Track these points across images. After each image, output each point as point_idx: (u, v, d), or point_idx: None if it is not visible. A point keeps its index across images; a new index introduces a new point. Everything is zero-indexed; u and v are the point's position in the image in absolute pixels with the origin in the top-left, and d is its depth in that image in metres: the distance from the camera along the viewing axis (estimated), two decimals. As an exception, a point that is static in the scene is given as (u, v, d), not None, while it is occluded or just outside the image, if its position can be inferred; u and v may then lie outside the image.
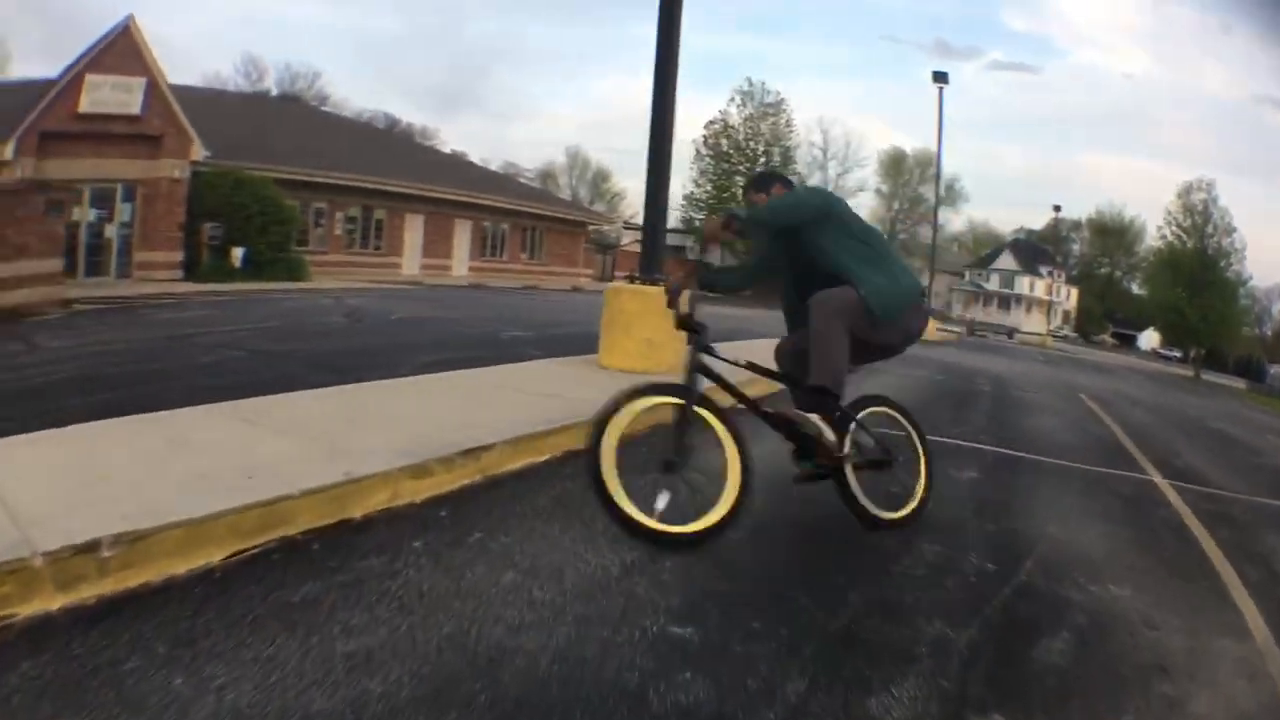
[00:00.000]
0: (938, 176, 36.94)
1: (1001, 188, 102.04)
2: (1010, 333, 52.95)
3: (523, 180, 52.67)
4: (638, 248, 10.75)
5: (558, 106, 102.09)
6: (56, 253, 14.13)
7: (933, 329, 23.87)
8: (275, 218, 21.39)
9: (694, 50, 63.48)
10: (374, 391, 5.27)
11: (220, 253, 20.49)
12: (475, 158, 50.41)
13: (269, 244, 21.24)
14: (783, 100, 51.65)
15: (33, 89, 19.57)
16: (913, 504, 3.80)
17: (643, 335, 6.71)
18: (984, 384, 12.22)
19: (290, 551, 2.81)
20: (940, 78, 31.24)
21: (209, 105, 25.58)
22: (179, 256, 20.25)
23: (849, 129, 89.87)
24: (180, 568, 2.51)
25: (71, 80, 18.59)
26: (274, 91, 51.95)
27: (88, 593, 2.29)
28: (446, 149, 51.79)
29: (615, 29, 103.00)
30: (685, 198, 51.22)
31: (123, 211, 19.89)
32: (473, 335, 9.90)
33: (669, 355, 6.58)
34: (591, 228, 43.27)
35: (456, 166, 39.46)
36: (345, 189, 26.21)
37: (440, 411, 4.65)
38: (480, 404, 4.88)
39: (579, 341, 7.01)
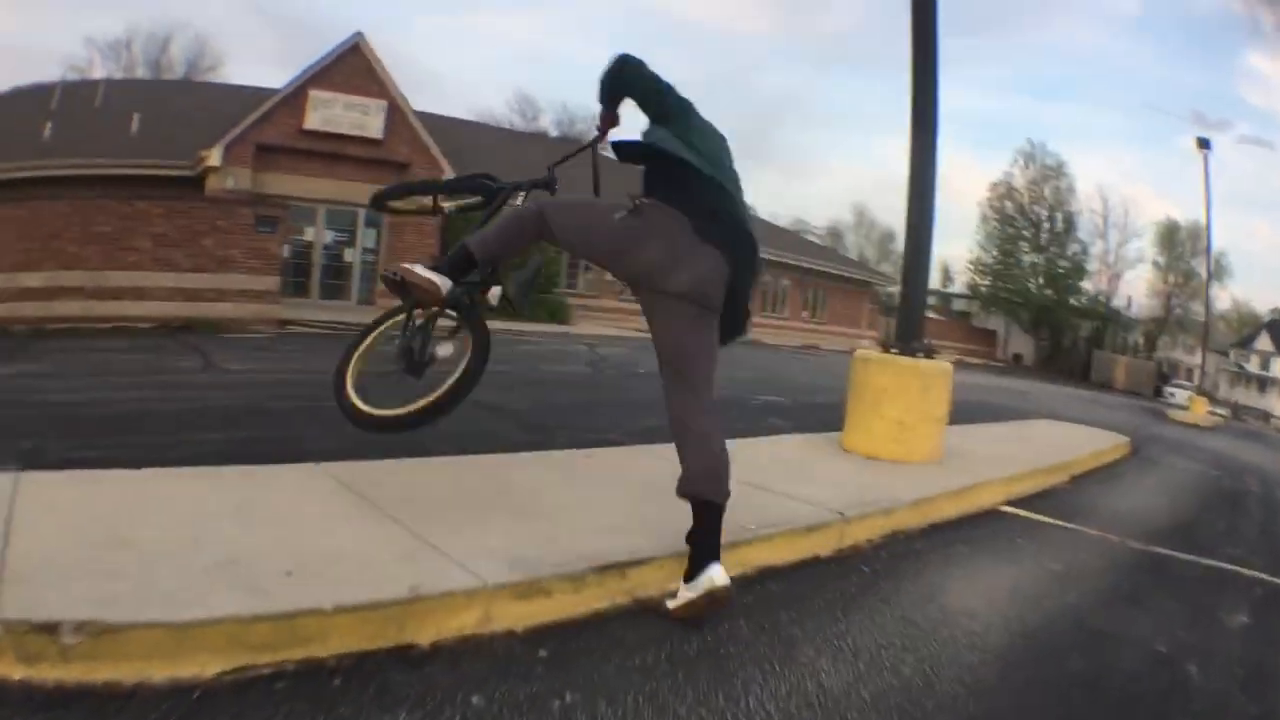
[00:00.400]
0: (1209, 248, 36.12)
1: (1260, 264, 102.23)
2: (1267, 417, 51.85)
3: (809, 236, 53.93)
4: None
5: (846, 163, 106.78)
6: (270, 270, 15.57)
7: (1202, 410, 24.21)
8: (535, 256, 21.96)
9: (977, 110, 74.07)
10: (538, 465, 4.62)
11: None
12: (763, 212, 51.63)
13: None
14: (1063, 164, 52.03)
15: (245, 96, 21.72)
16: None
17: (893, 415, 5.82)
18: (1252, 482, 10.83)
19: (302, 681, 2.22)
20: (1204, 144, 31.77)
21: (464, 135, 28.13)
22: None
23: (1125, 196, 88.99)
24: (158, 673, 2.18)
25: (293, 94, 20.23)
26: (552, 132, 55.31)
27: (48, 674, 2.17)
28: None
29: (901, 85, 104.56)
30: (971, 262, 52.52)
31: (366, 237, 21.79)
32: (721, 397, 9.28)
33: (922, 441, 5.82)
34: (878, 289, 44.19)
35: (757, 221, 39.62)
36: None
37: (606, 501, 3.90)
38: (663, 492, 4.33)
39: (838, 413, 6.31)
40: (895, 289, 55.82)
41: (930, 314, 53.26)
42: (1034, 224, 50.75)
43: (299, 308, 18.85)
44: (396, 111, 21.36)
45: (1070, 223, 51.76)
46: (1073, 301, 51.22)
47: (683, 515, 3.12)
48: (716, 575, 2.93)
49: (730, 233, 3.14)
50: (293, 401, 7.19)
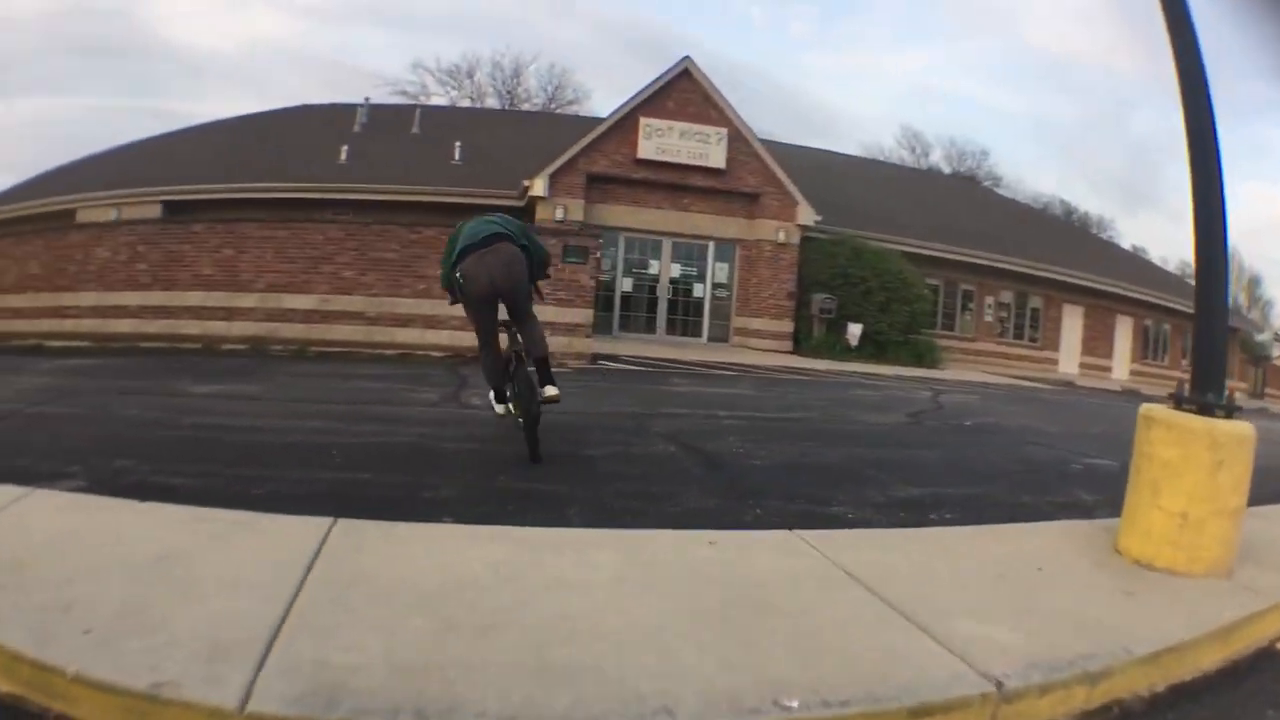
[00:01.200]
0: None
1: None
2: None
3: (1189, 279, 47.00)
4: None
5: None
6: (580, 302, 15.22)
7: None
8: (899, 295, 21.16)
9: None
10: (671, 555, 3.56)
11: (833, 327, 20.80)
12: (1154, 255, 48.81)
13: (891, 323, 21.06)
14: None
15: (571, 124, 22.19)
16: None
17: (1173, 504, 3.82)
18: None
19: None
20: None
21: (816, 166, 27.04)
22: (788, 327, 20.80)
23: None
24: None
25: (621, 122, 19.98)
26: (944, 169, 54.89)
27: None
28: (1125, 243, 50.55)
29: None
30: None
31: (717, 272, 21.29)
32: (1036, 459, 7.43)
33: (1209, 544, 3.82)
34: (1245, 334, 37.73)
35: (1119, 258, 36.80)
36: (994, 270, 25.76)
37: (699, 637, 2.73)
38: (806, 623, 2.88)
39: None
40: (1260, 336, 48.62)
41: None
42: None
43: (634, 343, 18.87)
44: (739, 139, 20.57)
45: None
46: None
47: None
48: (549, 390, 5.77)
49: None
50: (465, 444, 6.58)
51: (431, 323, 14.84)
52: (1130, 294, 29.40)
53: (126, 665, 2.27)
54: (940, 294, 25.63)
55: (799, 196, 20.83)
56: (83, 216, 20.60)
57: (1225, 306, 4.31)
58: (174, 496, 4.18)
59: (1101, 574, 3.78)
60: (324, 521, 3.69)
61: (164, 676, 2.21)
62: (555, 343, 14.80)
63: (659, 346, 18.72)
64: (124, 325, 15.05)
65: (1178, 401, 4.07)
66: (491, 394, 6.69)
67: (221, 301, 14.93)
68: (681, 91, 20.28)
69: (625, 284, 20.89)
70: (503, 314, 6.10)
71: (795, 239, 20.88)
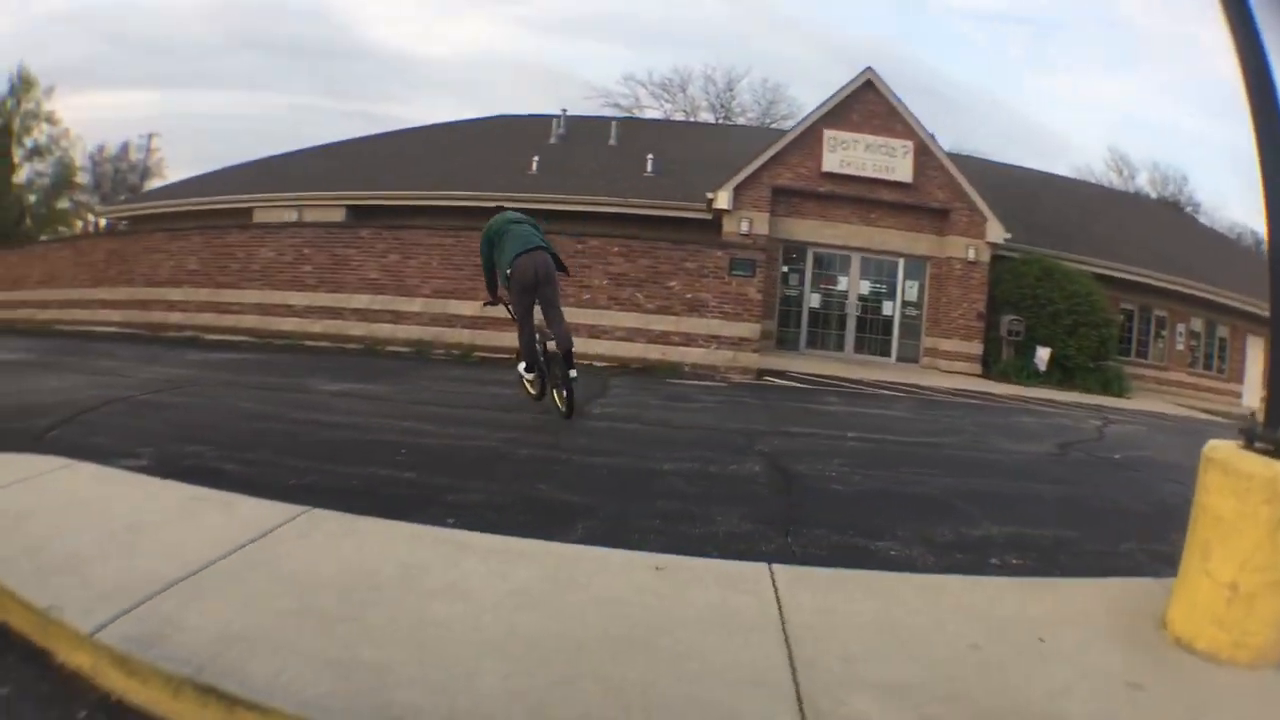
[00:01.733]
0: None
1: None
2: None
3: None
4: None
5: None
6: (746, 316, 15.04)
7: None
8: (1087, 319, 20.06)
9: None
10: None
11: (1022, 350, 19.92)
12: None
13: (1080, 347, 20.00)
14: None
15: (758, 137, 21.76)
16: None
17: (1225, 572, 3.09)
18: None
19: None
20: None
21: (1009, 182, 25.99)
22: (977, 349, 20.01)
23: None
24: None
25: (805, 135, 19.69)
26: (1150, 193, 52.97)
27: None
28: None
29: None
30: None
31: (907, 290, 20.63)
32: (1169, 502, 6.37)
33: (1261, 626, 3.04)
34: None
35: None
36: (1186, 297, 24.41)
37: None
38: (663, 669, 2.62)
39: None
40: None
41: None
42: None
43: (818, 360, 18.75)
44: (925, 153, 19.88)
45: None
46: None
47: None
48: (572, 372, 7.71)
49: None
50: (538, 450, 6.57)
51: (595, 332, 15.08)
52: None
53: (44, 592, 2.98)
54: (1135, 319, 24.42)
55: (988, 213, 19.88)
56: (260, 216, 22.04)
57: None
58: (216, 480, 4.45)
59: (1121, 654, 3.15)
60: (296, 510, 3.96)
61: (58, 603, 2.89)
62: (719, 357, 14.79)
63: (843, 365, 18.39)
64: (288, 324, 16.18)
65: (1248, 439, 3.31)
66: (523, 364, 8.31)
67: (386, 305, 15.80)
68: (865, 104, 19.81)
69: (813, 299, 20.53)
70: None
71: (985, 256, 19.96)
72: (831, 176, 19.58)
